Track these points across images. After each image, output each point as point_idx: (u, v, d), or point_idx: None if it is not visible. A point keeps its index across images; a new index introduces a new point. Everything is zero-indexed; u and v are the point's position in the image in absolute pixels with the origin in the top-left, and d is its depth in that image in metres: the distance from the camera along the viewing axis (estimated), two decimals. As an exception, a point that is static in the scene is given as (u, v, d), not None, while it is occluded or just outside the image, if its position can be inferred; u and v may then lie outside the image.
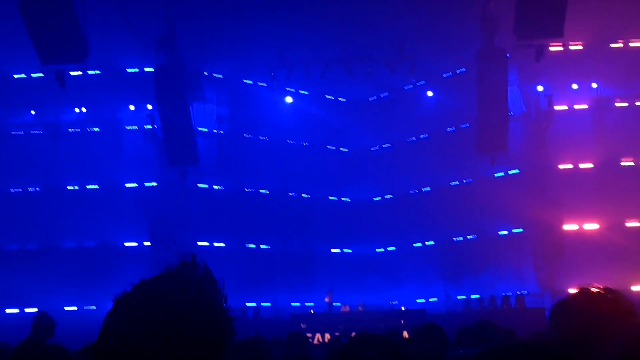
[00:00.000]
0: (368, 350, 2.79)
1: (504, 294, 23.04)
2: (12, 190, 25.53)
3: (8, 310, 23.94)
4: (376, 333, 2.92)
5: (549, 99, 24.76)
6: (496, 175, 25.41)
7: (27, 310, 23.97)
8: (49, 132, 25.88)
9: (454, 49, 23.05)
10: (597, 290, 2.88)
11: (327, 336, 20.41)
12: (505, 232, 25.52)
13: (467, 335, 5.91)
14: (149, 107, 24.36)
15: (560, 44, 21.82)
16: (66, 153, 25.37)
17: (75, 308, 23.43)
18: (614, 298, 2.80)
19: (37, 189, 25.60)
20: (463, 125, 25.59)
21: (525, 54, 21.03)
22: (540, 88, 24.93)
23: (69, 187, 25.59)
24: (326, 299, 24.04)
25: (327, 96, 28.59)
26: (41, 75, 22.27)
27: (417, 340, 5.94)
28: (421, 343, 5.73)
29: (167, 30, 21.06)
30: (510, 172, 25.28)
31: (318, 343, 19.84)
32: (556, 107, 24.85)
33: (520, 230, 25.11)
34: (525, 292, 23.14)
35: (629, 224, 24.24)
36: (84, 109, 25.98)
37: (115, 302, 1.61)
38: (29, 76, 24.22)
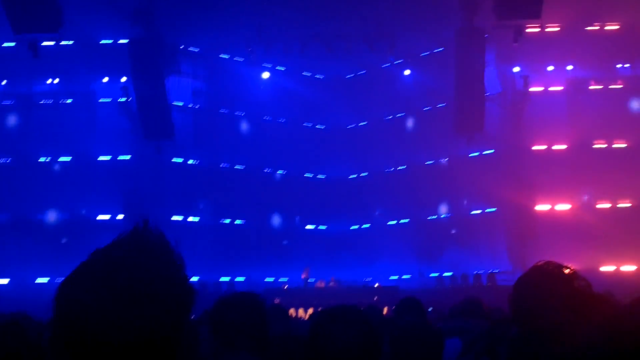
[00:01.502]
0: (340, 324, 2.78)
1: (476, 272, 23.25)
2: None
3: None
4: (350, 306, 2.91)
5: (525, 80, 24.87)
6: (471, 155, 25.52)
7: (-2, 282, 23.85)
8: (21, 103, 25.53)
9: (433, 28, 23.03)
10: (554, 267, 2.91)
11: (301, 311, 20.51)
12: (479, 212, 25.71)
13: (451, 312, 5.97)
14: (124, 79, 24.11)
15: (538, 25, 21.87)
16: (38, 125, 25.05)
17: (46, 280, 23.29)
18: (571, 277, 2.83)
19: (8, 161, 25.29)
20: (440, 105, 25.64)
21: (503, 34, 21.11)
22: (516, 69, 25.03)
23: (41, 159, 25.30)
24: (303, 275, 24.11)
25: (304, 73, 28.48)
26: (13, 44, 21.96)
27: (401, 314, 6.00)
28: (407, 316, 5.79)
29: (143, 2, 20.82)
30: (485, 152, 25.43)
31: (291, 317, 19.90)
32: (532, 89, 24.98)
33: (494, 209, 25.32)
34: (497, 271, 23.38)
35: (599, 206, 24.54)
36: (56, 80, 25.63)
37: (71, 272, 1.59)
38: (0, 46, 23.83)
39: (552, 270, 2.85)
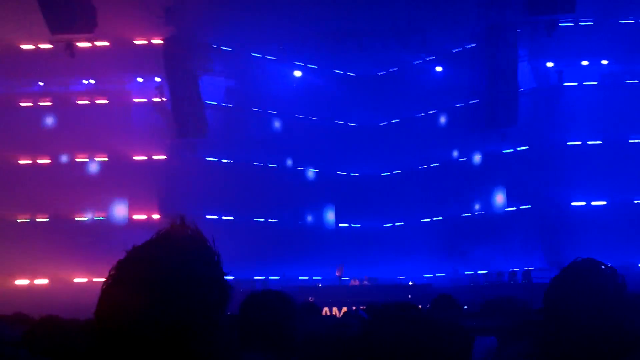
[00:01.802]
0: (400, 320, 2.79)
1: (510, 269, 23.09)
2: (20, 161, 25.59)
3: (17, 282, 24.14)
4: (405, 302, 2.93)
5: (559, 75, 24.64)
6: (505, 151, 25.35)
7: (37, 281, 24.21)
8: (57, 103, 25.87)
9: (464, 24, 22.88)
10: (592, 264, 2.88)
11: (335, 309, 20.53)
12: (513, 208, 25.51)
13: (486, 310, 5.95)
14: (158, 79, 24.32)
15: (571, 19, 21.66)
16: (75, 125, 25.36)
17: (85, 280, 23.59)
18: (609, 274, 2.80)
19: (46, 161, 25.65)
20: (472, 101, 25.47)
21: (536, 29, 20.94)
22: (550, 64, 24.79)
23: (77, 159, 25.63)
24: (337, 273, 24.14)
25: (336, 70, 28.48)
26: (50, 46, 22.26)
27: (435, 311, 6.00)
28: (441, 314, 5.79)
29: (176, 2, 20.99)
30: (519, 148, 25.23)
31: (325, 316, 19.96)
32: (566, 84, 24.75)
33: (528, 206, 25.10)
34: (532, 268, 23.19)
35: (636, 201, 24.22)
36: (92, 81, 25.95)
37: (110, 271, 1.64)
38: (37, 47, 24.16)
39: (590, 268, 2.83)
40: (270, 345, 3.47)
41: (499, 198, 25.46)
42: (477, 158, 26.45)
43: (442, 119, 27.30)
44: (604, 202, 24.48)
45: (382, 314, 2.84)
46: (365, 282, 23.85)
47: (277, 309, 3.56)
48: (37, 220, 25.12)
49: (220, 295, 1.65)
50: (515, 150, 25.32)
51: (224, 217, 26.16)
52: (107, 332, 1.58)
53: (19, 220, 25.12)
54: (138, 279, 1.58)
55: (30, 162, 25.65)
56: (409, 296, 20.17)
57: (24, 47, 24.63)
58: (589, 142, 24.86)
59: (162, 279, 1.57)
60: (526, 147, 25.17)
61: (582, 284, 2.76)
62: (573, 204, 24.47)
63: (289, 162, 27.51)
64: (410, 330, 2.69)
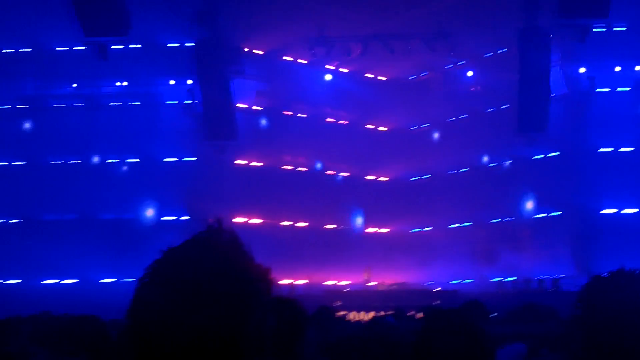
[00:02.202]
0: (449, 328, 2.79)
1: (539, 276, 22.90)
2: (52, 161, 25.88)
3: (46, 281, 24.40)
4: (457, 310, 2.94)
5: (591, 80, 24.43)
6: (535, 157, 25.17)
7: (65, 281, 24.45)
8: (90, 104, 26.15)
9: (496, 28, 22.78)
10: (629, 273, 2.83)
11: (363, 314, 20.48)
12: (543, 215, 25.30)
13: (515, 316, 5.93)
14: (189, 82, 24.48)
15: (604, 24, 21.45)
16: (106, 126, 25.62)
17: (113, 280, 23.79)
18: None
19: (77, 161, 25.92)
20: (503, 106, 25.32)
21: (568, 34, 20.75)
22: (582, 69, 24.59)
23: (108, 160, 25.87)
24: (364, 277, 24.10)
25: (366, 74, 28.47)
26: (83, 48, 22.50)
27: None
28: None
29: (208, 5, 21.13)
30: (550, 154, 25.03)
31: (353, 320, 19.92)
32: (598, 89, 24.53)
33: (558, 213, 24.89)
34: (561, 276, 22.98)
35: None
36: (124, 83, 26.20)
37: (145, 271, 1.65)
38: (71, 49, 24.44)
39: (627, 276, 2.78)
40: (278, 352, 3.46)
41: (529, 204, 25.26)
42: (507, 163, 26.28)
43: (473, 124, 27.15)
44: (635, 210, 24.19)
45: (439, 321, 2.85)
46: (394, 287, 23.77)
47: (287, 316, 3.55)
48: (66, 219, 25.35)
49: (254, 300, 1.64)
50: (545, 156, 25.13)
51: (251, 221, 26.24)
52: (140, 333, 1.58)
53: (49, 220, 25.39)
54: (175, 280, 1.59)
55: (62, 162, 25.91)
56: (437, 302, 20.08)
57: (58, 49, 24.95)
58: (621, 149, 24.62)
59: (200, 281, 1.57)
60: (557, 153, 24.99)
61: (618, 292, 2.71)
62: (603, 211, 24.22)
63: (318, 166, 27.53)
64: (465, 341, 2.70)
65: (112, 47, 21.24)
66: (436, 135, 28.03)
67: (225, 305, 1.56)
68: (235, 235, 1.69)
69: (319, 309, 6.49)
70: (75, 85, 26.32)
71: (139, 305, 1.60)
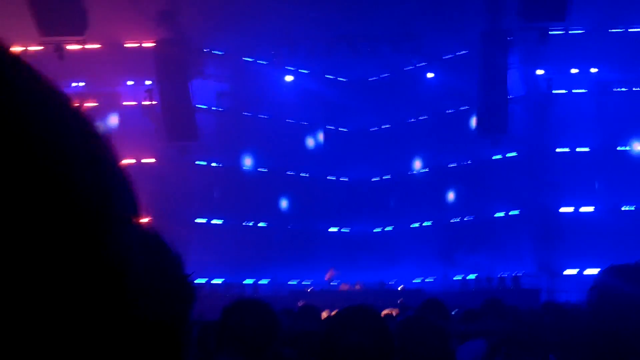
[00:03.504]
0: (355, 324, 2.81)
1: (500, 274, 23.17)
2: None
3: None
4: (366, 306, 2.94)
5: (549, 82, 24.78)
6: (495, 157, 25.45)
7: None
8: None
9: (456, 30, 22.98)
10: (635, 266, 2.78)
11: (324, 314, 20.46)
12: (503, 214, 25.60)
13: (475, 314, 5.98)
14: (148, 82, 24.28)
15: (562, 27, 21.77)
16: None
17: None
18: None
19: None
20: (463, 107, 25.58)
21: (527, 36, 21.04)
22: (540, 71, 24.93)
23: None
24: (326, 277, 24.13)
25: (327, 75, 28.51)
26: (40, 48, 22.18)
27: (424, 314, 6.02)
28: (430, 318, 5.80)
29: (168, 4, 20.96)
30: (509, 154, 25.34)
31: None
32: (556, 91, 24.90)
33: (518, 212, 25.21)
34: (521, 274, 23.28)
35: (624, 207, 24.40)
36: (82, 83, 25.87)
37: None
38: (26, 48, 24.06)
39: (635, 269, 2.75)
40: (247, 351, 3.46)
41: (489, 204, 25.55)
42: (467, 164, 26.52)
43: (433, 125, 27.36)
44: (592, 208, 24.63)
45: (339, 317, 2.88)
46: (357, 287, 23.83)
47: (257, 316, 3.55)
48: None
49: (183, 301, 1.63)
50: (505, 157, 25.43)
51: (213, 221, 26.14)
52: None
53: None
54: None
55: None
56: (399, 300, 20.19)
57: (13, 48, 24.50)
58: (578, 149, 25.04)
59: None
60: (516, 154, 25.29)
61: (632, 283, 2.66)
62: (562, 210, 24.61)
63: (279, 166, 27.49)
64: (364, 334, 2.72)
65: (69, 47, 21.02)
66: (398, 136, 28.17)
67: (149, 305, 1.55)
68: (176, 252, 1.66)
69: (303, 307, 6.54)
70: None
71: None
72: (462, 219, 26.61)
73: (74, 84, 25.74)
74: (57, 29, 16.96)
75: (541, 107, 24.86)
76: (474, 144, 24.48)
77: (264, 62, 26.54)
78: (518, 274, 23.11)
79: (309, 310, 5.90)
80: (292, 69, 27.23)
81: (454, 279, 25.12)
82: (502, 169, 25.26)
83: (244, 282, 24.30)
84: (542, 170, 24.36)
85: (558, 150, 25.00)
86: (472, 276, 24.54)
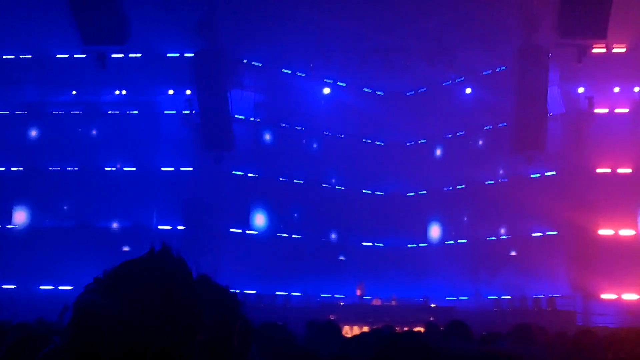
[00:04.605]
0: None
1: (535, 295, 22.84)
2: (50, 168, 25.88)
3: (42, 287, 24.34)
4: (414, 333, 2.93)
5: (589, 100, 24.45)
6: (532, 175, 25.16)
7: (60, 287, 24.39)
8: (89, 112, 26.17)
9: (494, 46, 22.83)
10: None
11: (356, 328, 20.41)
12: (539, 234, 25.25)
13: (497, 336, 5.88)
14: (188, 92, 24.50)
15: (603, 45, 21.49)
16: (104, 134, 25.64)
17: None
18: None
19: (75, 168, 25.92)
20: (500, 124, 25.35)
21: (566, 53, 20.79)
22: (581, 89, 24.62)
23: (106, 168, 25.87)
24: (358, 291, 24.04)
25: (364, 89, 28.50)
26: (83, 56, 22.53)
27: (448, 337, 5.96)
28: (454, 339, 5.75)
29: (208, 16, 21.16)
30: (547, 173, 25.02)
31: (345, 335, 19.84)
32: (596, 110, 24.55)
33: (555, 232, 24.84)
34: (557, 295, 22.91)
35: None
36: (123, 92, 26.22)
37: (94, 281, 1.66)
38: (71, 56, 24.48)
39: None
40: None
41: (526, 223, 25.22)
42: (503, 181, 26.24)
43: (470, 141, 27.17)
44: (632, 232, 24.13)
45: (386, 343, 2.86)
46: (393, 302, 23.72)
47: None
48: (62, 226, 25.29)
49: (195, 320, 1.65)
50: (542, 175, 25.12)
51: (247, 231, 26.22)
52: (82, 342, 1.59)
53: (45, 227, 25.34)
54: (122, 295, 1.60)
55: (59, 169, 25.92)
56: (431, 318, 20.02)
57: (58, 56, 24.98)
58: (619, 170, 24.59)
59: (141, 299, 1.59)
60: (554, 173, 24.96)
61: None
62: (600, 232, 24.16)
63: (315, 179, 27.51)
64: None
65: (112, 55, 21.31)
66: (434, 151, 28.02)
67: (169, 325, 1.58)
68: (181, 259, 1.72)
69: (326, 323, 6.47)
70: (74, 92, 26.33)
71: (84, 314, 1.61)
72: (497, 238, 26.31)
73: (116, 92, 26.09)
74: (99, 38, 17.20)
75: (581, 125, 24.51)
76: (512, 162, 24.20)
77: (302, 74, 26.63)
78: (554, 296, 22.73)
79: (330, 328, 5.84)
80: (329, 81, 27.28)
81: (488, 298, 24.82)
82: (539, 187, 24.91)
83: (276, 293, 24.29)
84: (581, 190, 23.94)
85: (598, 170, 24.58)
86: (506, 296, 24.21)
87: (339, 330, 6.54)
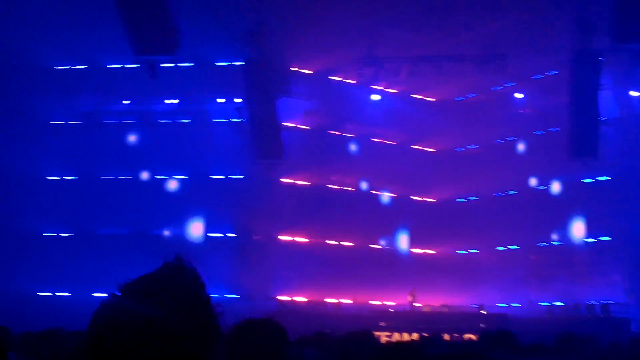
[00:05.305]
0: None
1: (588, 302, 22.46)
2: (103, 177, 26.32)
3: (96, 294, 24.74)
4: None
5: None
6: (585, 180, 24.77)
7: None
8: (141, 121, 26.54)
9: (545, 50, 22.57)
10: None
11: (406, 335, 20.33)
12: (593, 240, 24.84)
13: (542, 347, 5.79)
14: (238, 100, 24.71)
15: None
16: (157, 143, 25.98)
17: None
18: None
19: (128, 177, 26.30)
20: (552, 129, 25.01)
21: (620, 57, 20.46)
22: (635, 93, 24.17)
23: (158, 176, 26.20)
24: (408, 298, 23.94)
25: (414, 95, 28.38)
26: (136, 65, 22.88)
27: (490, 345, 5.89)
28: (498, 349, 5.67)
29: (257, 25, 21.34)
30: (600, 178, 24.61)
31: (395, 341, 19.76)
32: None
33: (609, 238, 24.41)
34: (611, 302, 22.50)
35: None
36: (175, 100, 26.54)
37: (110, 296, 1.68)
38: (123, 66, 24.89)
39: None
40: None
41: (579, 229, 24.83)
42: (556, 187, 25.87)
43: (522, 147, 26.86)
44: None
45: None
46: (446, 310, 23.60)
47: (267, 336, 3.54)
48: (118, 234, 25.69)
49: (208, 334, 1.69)
50: (596, 181, 24.72)
51: (297, 239, 26.30)
52: (99, 353, 1.62)
53: (100, 234, 25.77)
54: (137, 313, 1.63)
55: (112, 177, 26.34)
56: (482, 325, 19.84)
57: (111, 66, 25.44)
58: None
59: (158, 314, 1.62)
60: (608, 178, 24.54)
61: None
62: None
63: (365, 186, 27.49)
64: None
65: (163, 65, 21.62)
66: (484, 157, 27.76)
67: (185, 340, 1.60)
68: (196, 272, 1.74)
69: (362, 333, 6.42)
70: (127, 102, 26.75)
71: (102, 327, 1.64)
72: (549, 244, 25.94)
73: (169, 101, 26.44)
74: (149, 49, 17.44)
75: (635, 129, 24.07)
76: (564, 167, 23.86)
77: (351, 81, 26.66)
78: (608, 302, 22.32)
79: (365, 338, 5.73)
80: (379, 88, 27.25)
81: (540, 304, 24.47)
82: (593, 193, 24.53)
83: (327, 300, 24.32)
84: (635, 195, 23.50)
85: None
86: (559, 303, 23.85)
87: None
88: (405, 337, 20.28)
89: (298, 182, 26.75)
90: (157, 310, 1.63)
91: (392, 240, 27.69)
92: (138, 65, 21.35)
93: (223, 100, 26.18)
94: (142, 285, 1.70)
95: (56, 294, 24.77)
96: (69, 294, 24.45)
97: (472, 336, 12.30)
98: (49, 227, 26.02)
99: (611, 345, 7.62)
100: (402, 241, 27.87)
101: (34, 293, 24.09)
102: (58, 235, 26.11)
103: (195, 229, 25.42)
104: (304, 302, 24.89)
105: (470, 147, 28.72)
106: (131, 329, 1.61)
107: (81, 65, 25.89)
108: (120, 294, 1.69)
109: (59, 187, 26.07)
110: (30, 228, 25.31)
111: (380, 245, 27.31)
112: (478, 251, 27.97)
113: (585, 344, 6.07)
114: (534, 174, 26.18)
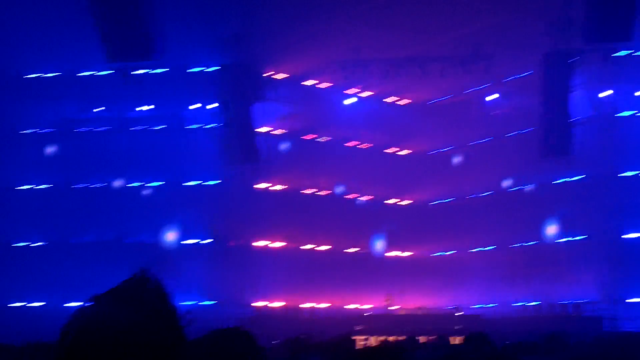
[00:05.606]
0: None
1: (562, 301, 22.68)
2: (73, 186, 26.03)
3: (69, 304, 24.53)
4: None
5: (615, 104, 24.29)
6: (559, 180, 24.99)
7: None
8: (115, 128, 26.34)
9: (517, 52, 22.75)
10: None
11: (384, 339, 20.36)
12: (567, 239, 25.07)
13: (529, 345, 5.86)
14: (213, 105, 24.63)
15: (630, 48, 21.37)
16: (131, 149, 25.80)
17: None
18: None
19: (103, 184, 26.08)
20: (527, 129, 25.20)
21: (591, 57, 20.71)
22: (605, 93, 24.45)
23: (132, 184, 26.03)
24: (385, 302, 24.00)
25: (390, 98, 28.44)
26: (109, 72, 22.75)
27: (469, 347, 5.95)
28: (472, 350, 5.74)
29: (232, 30, 21.31)
30: (573, 177, 24.85)
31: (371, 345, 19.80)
32: (622, 113, 24.37)
33: (583, 237, 24.64)
34: (584, 301, 22.73)
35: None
36: (150, 107, 26.37)
37: (78, 312, 1.70)
38: (96, 73, 24.72)
39: None
40: None
41: (552, 228, 25.05)
42: (530, 187, 26.09)
43: (496, 147, 27.02)
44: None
45: None
46: (420, 311, 23.69)
47: (238, 348, 3.52)
48: (90, 243, 25.47)
49: (177, 344, 1.71)
50: (569, 180, 24.94)
51: (273, 244, 26.26)
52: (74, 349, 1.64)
53: (74, 243, 25.54)
54: (103, 330, 1.65)
55: (85, 186, 26.11)
56: (457, 327, 19.95)
57: (84, 73, 25.25)
58: (646, 172, 24.41)
59: (128, 331, 1.64)
60: (581, 177, 24.78)
61: None
62: (627, 236, 23.95)
63: (340, 189, 27.51)
64: None
65: (137, 71, 21.54)
66: (458, 159, 27.90)
67: (150, 352, 1.62)
68: (160, 284, 1.76)
69: (342, 338, 6.42)
70: (101, 108, 26.52)
71: (69, 341, 1.66)
72: (524, 244, 26.13)
73: (143, 107, 26.28)
74: (123, 55, 17.40)
75: (607, 129, 24.33)
76: (538, 167, 24.06)
77: (328, 85, 26.67)
78: (580, 301, 22.55)
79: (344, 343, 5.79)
80: (355, 91, 27.27)
81: (515, 305, 24.65)
82: (566, 192, 24.76)
83: (301, 305, 24.31)
84: (608, 194, 23.75)
85: (624, 174, 24.38)
86: (533, 303, 24.04)
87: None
88: (383, 340, 20.32)
89: (274, 186, 26.70)
90: (122, 324, 1.64)
91: (368, 244, 27.72)
92: (112, 71, 21.31)
93: (198, 106, 26.07)
94: (107, 298, 1.72)
95: (28, 305, 24.48)
96: (43, 303, 24.19)
97: (451, 338, 12.37)
98: (20, 237, 25.69)
99: (577, 343, 7.71)
100: (379, 244, 27.91)
101: (5, 304, 23.80)
102: (29, 245, 25.77)
103: (171, 235, 25.28)
104: (280, 307, 24.86)
105: (445, 149, 28.86)
106: (96, 342, 1.63)
107: (52, 73, 25.58)
108: (87, 307, 1.70)
109: (30, 197, 25.76)
110: (0, 238, 25.03)
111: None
112: (453, 253, 28.09)
113: (553, 342, 6.15)
114: (508, 175, 26.36)
